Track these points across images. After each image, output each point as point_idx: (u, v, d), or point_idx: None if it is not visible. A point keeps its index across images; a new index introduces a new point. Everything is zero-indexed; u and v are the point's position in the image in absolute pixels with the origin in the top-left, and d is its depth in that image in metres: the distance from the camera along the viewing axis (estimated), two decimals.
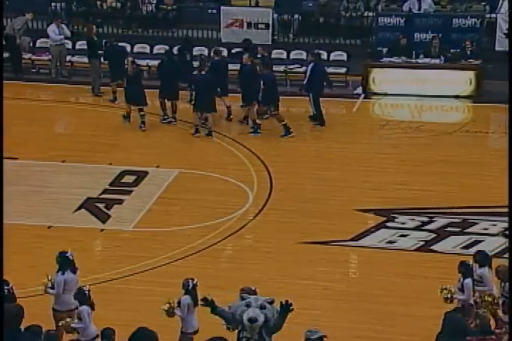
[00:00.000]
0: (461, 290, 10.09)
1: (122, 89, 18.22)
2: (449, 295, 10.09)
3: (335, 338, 10.99)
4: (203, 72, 17.42)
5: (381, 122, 18.42)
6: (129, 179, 15.50)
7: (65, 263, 10.45)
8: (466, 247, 13.20)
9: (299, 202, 14.64)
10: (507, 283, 9.94)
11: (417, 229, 13.84)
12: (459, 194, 14.92)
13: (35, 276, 12.02)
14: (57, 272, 10.43)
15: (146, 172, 15.73)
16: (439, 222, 14.02)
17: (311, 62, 18.08)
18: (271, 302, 7.81)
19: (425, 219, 14.12)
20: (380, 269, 12.56)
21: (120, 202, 14.66)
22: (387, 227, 13.88)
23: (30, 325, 8.51)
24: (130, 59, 18.02)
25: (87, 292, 9.82)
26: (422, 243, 13.39)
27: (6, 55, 21.07)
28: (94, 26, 20.27)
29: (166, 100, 18.09)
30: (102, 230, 13.83)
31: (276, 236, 13.58)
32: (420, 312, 10.93)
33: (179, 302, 9.94)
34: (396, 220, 14.10)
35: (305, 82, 18.08)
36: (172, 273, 12.43)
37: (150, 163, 16.09)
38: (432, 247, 13.30)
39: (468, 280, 10.03)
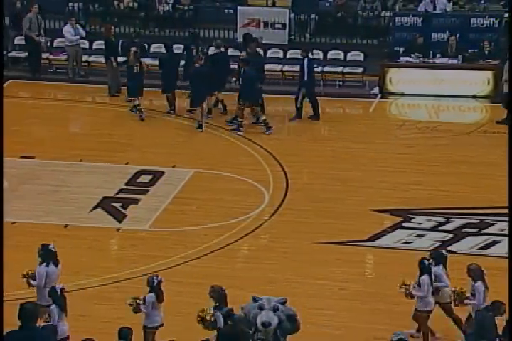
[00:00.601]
0: (419, 285, 10.33)
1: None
2: (407, 291, 10.32)
3: (350, 338, 10.99)
4: (197, 65, 17.59)
5: (398, 122, 18.35)
6: (145, 178, 15.52)
7: (48, 255, 10.53)
8: (484, 248, 13.14)
9: (314, 202, 14.61)
10: (476, 282, 10.13)
11: (433, 229, 13.78)
12: (476, 194, 14.84)
13: None
14: (40, 264, 10.49)
15: (162, 172, 15.74)
16: (456, 222, 13.96)
17: (305, 58, 18.16)
18: (284, 303, 7.70)
19: (442, 219, 14.05)
20: (396, 270, 12.50)
21: (136, 201, 14.69)
22: (404, 228, 13.83)
23: (46, 324, 8.52)
24: (133, 49, 18.19)
25: (59, 290, 9.89)
26: (439, 243, 13.33)
27: (24, 54, 21.20)
28: (112, 26, 20.30)
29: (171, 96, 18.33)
30: (118, 229, 13.86)
31: (291, 236, 13.56)
32: (436, 313, 10.86)
33: (144, 299, 10.03)
34: (412, 220, 14.05)
35: (306, 78, 18.01)
36: (187, 272, 12.44)
37: (166, 163, 16.10)
38: (448, 248, 13.23)
39: (425, 277, 10.25)
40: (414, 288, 10.34)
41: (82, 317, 11.21)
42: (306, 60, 18.07)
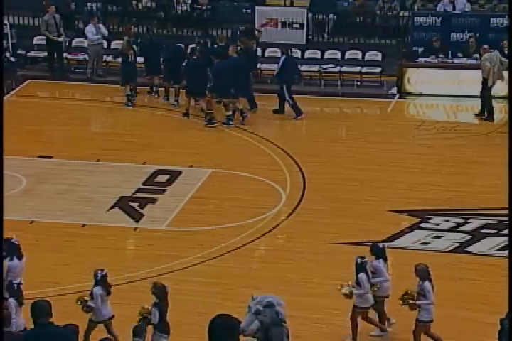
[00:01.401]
0: (358, 284, 10.52)
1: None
2: (347, 292, 10.52)
3: (366, 339, 10.94)
4: (195, 57, 18.06)
5: (416, 122, 18.28)
6: (162, 178, 15.54)
7: (12, 249, 10.58)
8: (502, 249, 13.04)
9: (332, 203, 14.58)
10: (424, 282, 10.29)
11: (451, 230, 13.71)
12: (495, 195, 14.73)
13: (69, 275, 12.12)
14: (4, 258, 10.54)
15: (180, 172, 15.76)
16: (475, 223, 13.88)
17: (283, 55, 18.39)
18: (268, 306, 7.07)
19: (460, 220, 13.98)
20: (413, 271, 12.44)
21: (153, 201, 14.71)
22: (422, 228, 13.77)
23: (68, 324, 8.46)
24: (126, 38, 18.86)
25: (15, 285, 10.02)
26: (457, 244, 13.26)
27: (43, 54, 21.29)
28: (132, 27, 20.39)
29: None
30: (135, 229, 13.88)
31: (309, 236, 13.53)
32: (456, 315, 10.82)
33: (91, 294, 10.13)
34: (430, 221, 13.98)
35: (275, 74, 18.33)
36: (205, 272, 12.44)
37: (183, 163, 16.12)
38: (466, 249, 13.17)
39: (362, 275, 10.47)
40: (354, 287, 10.51)
41: None
42: (283, 57, 18.27)
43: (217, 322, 5.98)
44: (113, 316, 10.33)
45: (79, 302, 10.19)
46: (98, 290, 10.14)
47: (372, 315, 10.82)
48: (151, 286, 9.89)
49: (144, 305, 9.81)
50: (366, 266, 10.56)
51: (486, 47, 18.47)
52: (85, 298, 10.19)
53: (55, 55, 20.81)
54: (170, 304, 11.09)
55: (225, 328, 5.99)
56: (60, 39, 20.77)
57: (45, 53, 21.19)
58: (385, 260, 10.81)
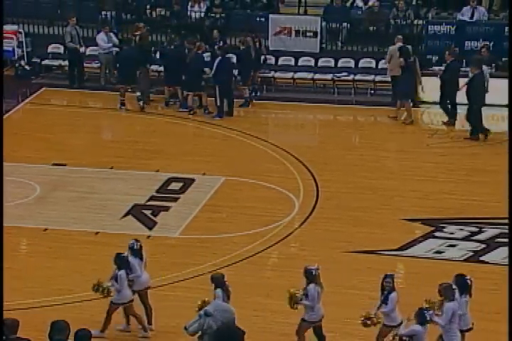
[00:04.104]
0: (116, 280, 10.97)
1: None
2: (103, 286, 10.93)
3: None
4: (126, 47, 19.44)
5: (430, 131, 18.24)
6: (175, 186, 15.55)
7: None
8: None
9: (345, 211, 14.55)
10: (309, 285, 10.51)
11: (465, 239, 13.65)
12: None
13: (83, 282, 12.12)
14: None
15: (193, 180, 15.77)
16: (489, 232, 13.81)
17: (219, 56, 18.58)
18: (205, 314, 7.13)
19: (474, 229, 13.91)
20: (427, 279, 12.38)
21: (167, 209, 14.72)
22: (435, 237, 13.72)
23: (80, 329, 8.27)
24: (141, 24, 20.15)
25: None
26: (471, 253, 13.20)
27: (58, 62, 21.36)
28: (148, 34, 20.45)
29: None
30: (148, 237, 13.88)
31: (322, 244, 13.50)
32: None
33: None
34: (444, 230, 13.93)
35: (211, 74, 18.52)
36: None
37: (196, 170, 16.13)
38: (481, 258, 13.10)
39: (121, 272, 10.95)
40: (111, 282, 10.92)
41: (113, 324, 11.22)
42: (218, 58, 18.50)
43: (220, 332, 6.01)
44: None
45: None
46: None
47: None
48: None
49: None
50: (128, 263, 10.98)
51: (400, 37, 19.13)
52: None
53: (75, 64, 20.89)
54: (183, 312, 11.10)
55: (228, 338, 6.00)
56: (82, 49, 20.83)
57: (60, 62, 21.25)
58: (141, 258, 11.26)
